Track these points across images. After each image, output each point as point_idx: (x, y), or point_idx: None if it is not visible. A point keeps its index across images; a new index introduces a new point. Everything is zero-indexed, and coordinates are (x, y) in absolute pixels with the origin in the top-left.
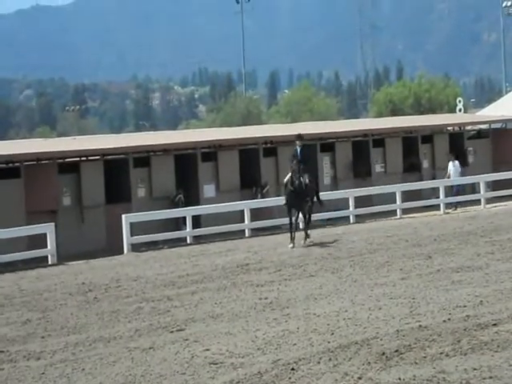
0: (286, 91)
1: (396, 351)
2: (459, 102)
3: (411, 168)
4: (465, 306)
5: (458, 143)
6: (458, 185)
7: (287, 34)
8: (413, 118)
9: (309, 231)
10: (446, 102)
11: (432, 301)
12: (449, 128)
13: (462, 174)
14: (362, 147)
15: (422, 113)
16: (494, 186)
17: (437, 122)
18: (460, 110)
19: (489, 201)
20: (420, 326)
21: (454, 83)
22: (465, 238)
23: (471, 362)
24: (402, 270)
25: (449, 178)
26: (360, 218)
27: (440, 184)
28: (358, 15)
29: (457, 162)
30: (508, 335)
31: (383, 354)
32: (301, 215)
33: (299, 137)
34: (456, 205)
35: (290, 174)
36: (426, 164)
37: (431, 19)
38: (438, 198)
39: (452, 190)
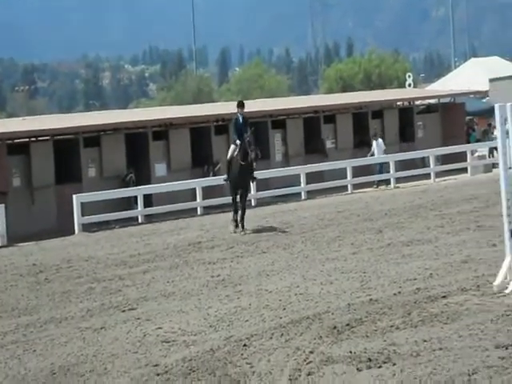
0: (237, 69)
1: (347, 325)
2: (409, 77)
3: (362, 143)
4: (415, 279)
5: (407, 118)
6: (381, 163)
7: (238, 11)
8: (363, 94)
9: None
10: (395, 78)
11: (383, 274)
12: (398, 103)
13: (386, 153)
14: (313, 124)
15: (372, 88)
16: (444, 159)
17: (387, 97)
18: (409, 85)
19: (438, 175)
20: (371, 299)
21: (403, 59)
22: (415, 212)
23: (421, 334)
24: (353, 245)
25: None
26: (311, 194)
27: (391, 159)
28: None
29: (380, 141)
30: (457, 307)
31: (334, 327)
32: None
33: (241, 104)
34: (378, 183)
35: (235, 148)
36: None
37: None
38: (388, 172)
39: (376, 169)
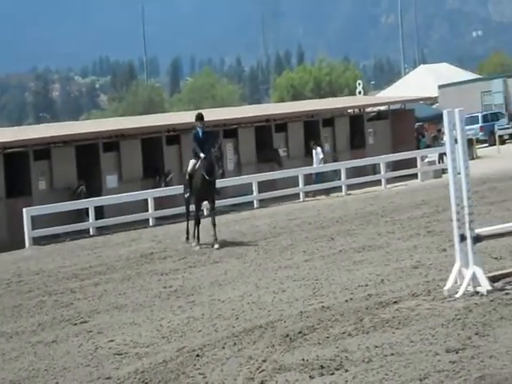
0: (189, 78)
1: (299, 333)
2: (359, 84)
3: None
4: (366, 285)
5: (358, 125)
6: (317, 173)
7: (188, 21)
8: (314, 102)
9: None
10: (346, 85)
11: (334, 281)
12: (349, 111)
13: (325, 162)
14: (265, 132)
15: (322, 96)
16: (395, 166)
17: (337, 105)
18: (360, 93)
19: (389, 181)
20: (323, 306)
21: (353, 66)
22: (366, 219)
23: (373, 339)
24: (305, 252)
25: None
26: (264, 203)
27: (342, 166)
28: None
29: (319, 149)
30: (408, 312)
31: (287, 336)
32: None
33: (200, 117)
34: (314, 193)
35: (196, 162)
36: (327, 147)
37: (331, 3)
38: (340, 179)
39: (312, 178)
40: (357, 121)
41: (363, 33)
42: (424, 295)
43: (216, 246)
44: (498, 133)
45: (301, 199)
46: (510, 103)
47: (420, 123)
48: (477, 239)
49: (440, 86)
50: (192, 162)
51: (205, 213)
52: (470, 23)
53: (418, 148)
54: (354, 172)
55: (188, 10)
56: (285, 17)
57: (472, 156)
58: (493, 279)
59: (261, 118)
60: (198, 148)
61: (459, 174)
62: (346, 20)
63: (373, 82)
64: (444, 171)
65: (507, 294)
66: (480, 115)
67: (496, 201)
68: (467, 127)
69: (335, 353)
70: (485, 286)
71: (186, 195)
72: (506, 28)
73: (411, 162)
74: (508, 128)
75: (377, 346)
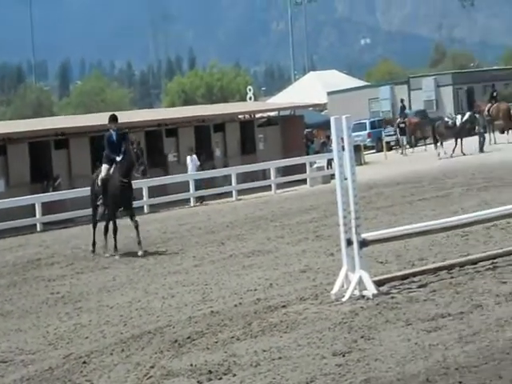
0: (78, 82)
1: (188, 338)
2: (249, 90)
3: (206, 156)
4: (255, 290)
5: (248, 131)
6: (197, 179)
7: (78, 23)
8: (205, 107)
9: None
10: (237, 91)
11: (224, 286)
12: (240, 116)
13: (200, 169)
14: (156, 137)
15: (214, 102)
16: (284, 171)
17: (228, 110)
18: (250, 99)
19: (279, 186)
20: (212, 311)
21: (244, 72)
22: (256, 224)
23: (261, 344)
24: (195, 258)
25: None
26: (154, 208)
27: (232, 171)
28: (149, 4)
29: (194, 157)
30: (296, 316)
31: (176, 341)
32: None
33: (113, 119)
34: (202, 200)
35: (109, 167)
36: (218, 152)
37: (221, 8)
38: (231, 185)
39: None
40: (247, 126)
41: (254, 39)
42: (312, 299)
43: (140, 252)
44: (386, 139)
45: (191, 204)
46: (397, 110)
47: (309, 129)
48: (363, 244)
49: (329, 93)
50: (105, 167)
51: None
52: (359, 31)
53: (307, 154)
54: (244, 177)
55: (78, 13)
56: (175, 21)
57: (360, 162)
58: (378, 283)
59: (152, 122)
60: (110, 152)
61: (346, 179)
62: (237, 25)
63: (264, 88)
64: (332, 177)
65: (392, 297)
66: (368, 122)
67: (383, 206)
68: (355, 134)
69: (223, 357)
70: (371, 289)
71: (99, 202)
72: (394, 36)
73: (300, 168)
74: (395, 134)
75: (265, 350)
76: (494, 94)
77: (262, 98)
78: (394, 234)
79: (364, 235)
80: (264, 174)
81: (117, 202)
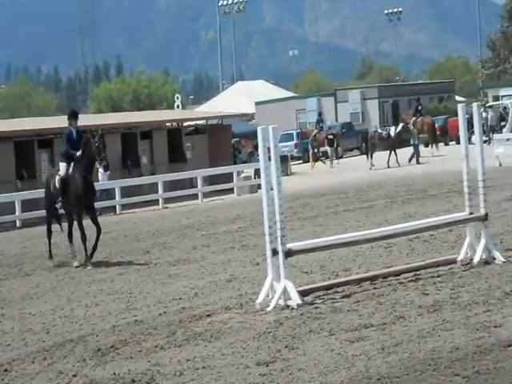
0: (3, 86)
1: (112, 347)
2: (177, 98)
3: (132, 164)
4: (180, 299)
5: (176, 139)
6: (104, 190)
7: (4, 27)
8: (132, 115)
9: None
10: (164, 99)
11: (149, 295)
12: (167, 124)
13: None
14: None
15: (141, 109)
16: (212, 180)
17: (155, 118)
18: (178, 107)
19: (206, 195)
20: (136, 320)
21: (172, 80)
22: (182, 232)
23: (185, 353)
24: (120, 266)
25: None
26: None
27: (159, 180)
28: (78, 10)
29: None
30: (221, 325)
31: (99, 350)
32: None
33: (73, 115)
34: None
35: (68, 166)
36: (145, 160)
37: (151, 16)
38: (158, 193)
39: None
40: (175, 135)
41: (183, 47)
42: (236, 308)
43: (90, 266)
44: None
45: (117, 212)
46: (325, 121)
47: (237, 139)
48: (288, 254)
49: (257, 103)
50: (63, 165)
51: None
52: (287, 42)
53: (235, 163)
54: (171, 185)
55: (4, 18)
56: (103, 27)
57: (286, 172)
58: (303, 293)
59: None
60: (70, 150)
61: (272, 189)
62: (166, 33)
63: (192, 97)
64: (260, 186)
65: (316, 307)
66: (295, 132)
67: (308, 216)
68: (282, 144)
69: (147, 366)
70: (295, 299)
71: (58, 205)
72: (321, 48)
73: (228, 177)
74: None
75: (189, 360)
76: (419, 107)
77: (190, 106)
78: (318, 245)
79: (289, 245)
80: (191, 183)
81: (80, 201)
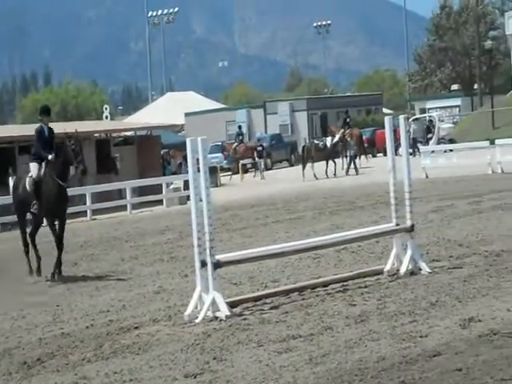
0: None
1: (38, 360)
2: (106, 109)
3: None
4: (108, 311)
5: (104, 150)
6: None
7: None
8: (60, 125)
9: None
10: (93, 109)
11: (76, 307)
12: (96, 135)
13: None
14: (8, 154)
15: (69, 119)
16: (140, 191)
17: (83, 128)
18: (107, 117)
19: (135, 206)
20: (63, 333)
21: (101, 90)
22: (110, 244)
23: (113, 366)
24: (45, 277)
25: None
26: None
27: (87, 191)
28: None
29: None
30: (149, 338)
31: (25, 363)
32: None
33: (45, 110)
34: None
35: (39, 166)
36: (72, 171)
37: (80, 26)
38: (85, 204)
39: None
40: (103, 145)
41: (112, 57)
42: (165, 320)
43: (49, 282)
44: (242, 161)
45: (44, 224)
46: (253, 133)
47: (166, 150)
48: (217, 265)
49: (186, 114)
50: (34, 165)
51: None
52: (217, 53)
53: (164, 174)
54: (100, 197)
55: None
56: (31, 37)
57: (216, 184)
58: (232, 305)
59: (4, 139)
60: (41, 148)
61: (201, 201)
62: (96, 44)
63: (120, 107)
64: (189, 198)
65: (245, 319)
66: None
67: (237, 228)
68: (212, 155)
69: (74, 380)
70: (224, 311)
71: (34, 209)
72: (251, 60)
73: (157, 188)
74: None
75: (116, 372)
76: (347, 119)
77: (118, 117)
78: (247, 256)
79: (218, 257)
80: (120, 194)
81: (52, 208)
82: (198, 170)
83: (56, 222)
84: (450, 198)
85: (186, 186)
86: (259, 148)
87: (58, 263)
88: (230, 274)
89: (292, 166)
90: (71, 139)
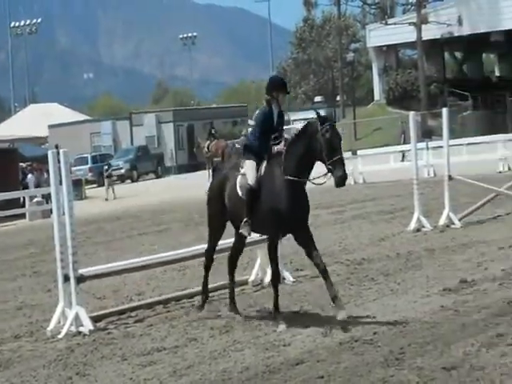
0: None
1: None
2: None
3: None
4: None
5: None
6: None
7: None
8: None
9: None
10: None
11: None
12: None
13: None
14: None
15: None
16: (1, 205)
17: None
18: None
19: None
20: None
21: None
22: None
23: None
24: None
25: None
26: None
27: None
28: None
29: None
30: (11, 354)
31: None
32: None
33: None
34: None
35: None
36: None
37: None
38: None
39: None
40: None
41: None
42: (27, 336)
43: None
44: (107, 174)
45: None
46: (119, 145)
47: (28, 163)
48: (80, 279)
49: (50, 126)
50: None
51: None
52: (82, 65)
53: (24, 187)
54: None
55: None
56: None
57: (81, 196)
58: (95, 319)
59: None
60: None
61: (64, 214)
62: None
63: None
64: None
65: (109, 333)
66: (89, 156)
67: (102, 241)
68: (76, 168)
69: None
70: (87, 325)
71: None
72: (116, 71)
73: (17, 202)
74: (119, 169)
75: None
76: (213, 131)
77: None
78: (111, 270)
79: (81, 271)
80: None
81: None
82: (61, 183)
83: None
84: (314, 208)
85: (49, 199)
86: (105, 167)
87: None
88: (94, 288)
89: (159, 177)
90: None
